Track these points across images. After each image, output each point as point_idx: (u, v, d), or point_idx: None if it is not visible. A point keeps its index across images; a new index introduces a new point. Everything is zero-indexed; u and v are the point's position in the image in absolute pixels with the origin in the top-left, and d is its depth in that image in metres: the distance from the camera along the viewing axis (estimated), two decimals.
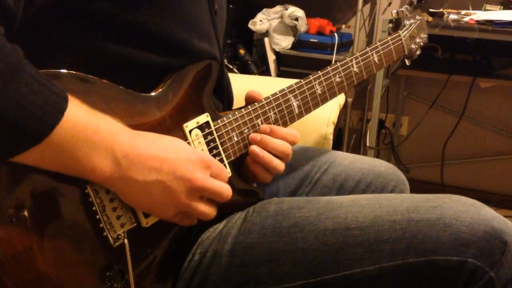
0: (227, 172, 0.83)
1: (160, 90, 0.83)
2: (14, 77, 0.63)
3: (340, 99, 1.52)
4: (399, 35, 1.18)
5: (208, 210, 0.81)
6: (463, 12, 2.37)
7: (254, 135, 0.92)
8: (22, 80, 0.64)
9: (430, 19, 2.26)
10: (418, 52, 1.26)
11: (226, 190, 0.81)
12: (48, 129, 0.65)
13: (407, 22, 1.22)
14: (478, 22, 2.20)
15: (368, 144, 2.65)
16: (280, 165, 0.92)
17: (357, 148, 2.90)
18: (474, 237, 0.80)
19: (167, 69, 0.85)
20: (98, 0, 0.77)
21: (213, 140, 0.88)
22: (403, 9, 1.23)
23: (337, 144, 2.62)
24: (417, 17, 1.25)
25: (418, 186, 2.82)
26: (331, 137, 1.44)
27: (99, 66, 0.76)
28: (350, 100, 2.53)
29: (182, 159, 0.77)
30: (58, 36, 0.78)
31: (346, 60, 1.05)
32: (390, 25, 1.23)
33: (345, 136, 2.66)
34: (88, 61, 0.76)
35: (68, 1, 0.76)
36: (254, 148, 0.91)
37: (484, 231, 0.80)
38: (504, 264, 0.80)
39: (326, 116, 1.44)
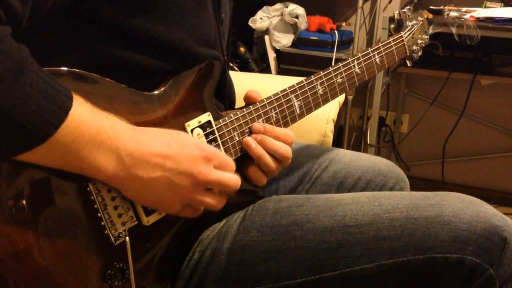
0: (233, 163, 0.83)
1: (162, 89, 0.83)
2: (20, 76, 0.63)
3: (340, 96, 1.52)
4: (401, 36, 1.18)
5: (215, 202, 0.81)
6: (464, 9, 2.37)
7: (255, 135, 0.91)
8: (28, 79, 0.64)
9: (431, 16, 2.25)
10: (419, 53, 1.25)
11: (233, 180, 0.81)
12: (53, 129, 0.66)
13: (409, 23, 1.22)
14: (478, 19, 2.20)
15: (368, 142, 2.64)
16: (271, 162, 0.90)
17: (358, 145, 2.89)
18: (473, 234, 0.80)
19: (171, 75, 0.85)
20: (104, 7, 0.77)
21: (215, 140, 0.88)
22: (405, 10, 1.22)
23: (338, 142, 2.62)
24: (419, 18, 1.25)
25: (418, 183, 2.82)
26: (331, 134, 1.44)
27: (103, 69, 0.76)
28: (350, 97, 2.53)
29: (185, 154, 0.77)
30: (63, 40, 0.79)
31: (348, 61, 1.05)
32: (392, 26, 1.23)
33: (346, 134, 2.66)
34: (93, 65, 0.76)
35: (75, 7, 0.76)
36: (248, 139, 0.90)
37: (483, 228, 0.81)
38: (504, 261, 0.80)
39: (325, 113, 1.44)
